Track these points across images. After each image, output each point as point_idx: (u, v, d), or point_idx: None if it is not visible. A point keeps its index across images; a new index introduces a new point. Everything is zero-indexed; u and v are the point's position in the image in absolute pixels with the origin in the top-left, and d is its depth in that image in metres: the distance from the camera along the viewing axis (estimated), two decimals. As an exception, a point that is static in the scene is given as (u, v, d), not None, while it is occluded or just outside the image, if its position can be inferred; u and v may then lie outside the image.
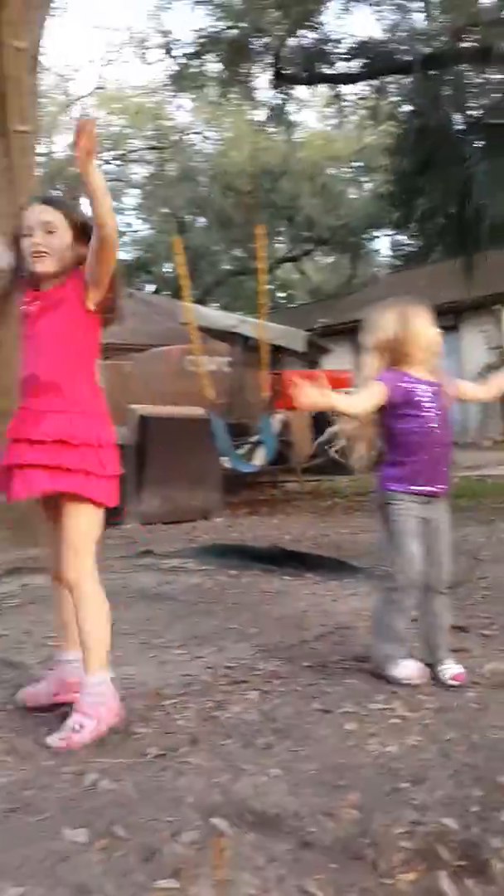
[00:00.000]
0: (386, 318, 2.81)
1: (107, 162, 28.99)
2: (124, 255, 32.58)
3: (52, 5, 8.08)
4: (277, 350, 9.77)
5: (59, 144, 27.75)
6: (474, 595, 3.84)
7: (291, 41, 18.08)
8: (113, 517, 7.13)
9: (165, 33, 20.43)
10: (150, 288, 30.29)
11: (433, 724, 2.35)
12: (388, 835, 1.82)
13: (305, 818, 1.89)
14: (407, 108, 18.81)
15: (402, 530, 2.69)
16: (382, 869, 1.70)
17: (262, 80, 19.53)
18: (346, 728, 2.35)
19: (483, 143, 6.42)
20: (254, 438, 8.85)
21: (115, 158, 29.14)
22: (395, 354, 2.79)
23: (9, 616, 4.00)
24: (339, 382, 14.42)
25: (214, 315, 10.72)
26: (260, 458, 9.13)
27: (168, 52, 19.81)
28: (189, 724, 2.43)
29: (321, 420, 11.05)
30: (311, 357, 10.72)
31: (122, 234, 32.38)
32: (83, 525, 2.46)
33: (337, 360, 14.36)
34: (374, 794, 1.98)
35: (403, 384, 2.74)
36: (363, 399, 2.78)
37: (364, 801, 1.95)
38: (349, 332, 18.19)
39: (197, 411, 8.12)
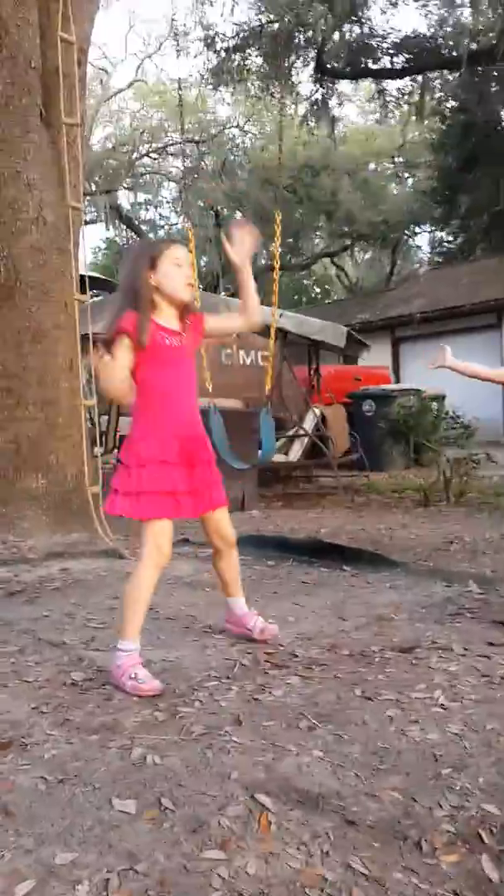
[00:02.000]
0: None
1: (145, 154, 29.13)
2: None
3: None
4: (316, 345, 9.79)
5: (97, 136, 27.92)
6: (513, 590, 3.84)
7: (335, 35, 18.03)
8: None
9: (207, 26, 20.45)
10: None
11: (475, 715, 2.37)
12: (431, 817, 1.84)
13: (348, 798, 1.92)
14: (452, 103, 18.73)
15: None
16: (425, 849, 1.73)
17: (303, 74, 19.51)
18: (387, 714, 2.38)
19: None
20: (290, 432, 8.88)
21: (153, 152, 29.24)
22: None
23: (50, 598, 4.07)
24: (377, 378, 14.45)
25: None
26: (294, 453, 9.16)
27: (209, 45, 19.84)
28: (232, 705, 2.48)
29: (357, 415, 11.06)
30: (350, 352, 10.69)
31: (159, 227, 32.58)
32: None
33: (375, 356, 14.32)
34: (417, 779, 2.01)
35: None
36: None
37: (406, 784, 1.98)
38: (388, 328, 18.18)
39: (234, 403, 8.16)
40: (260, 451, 8.00)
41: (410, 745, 2.19)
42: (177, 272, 2.82)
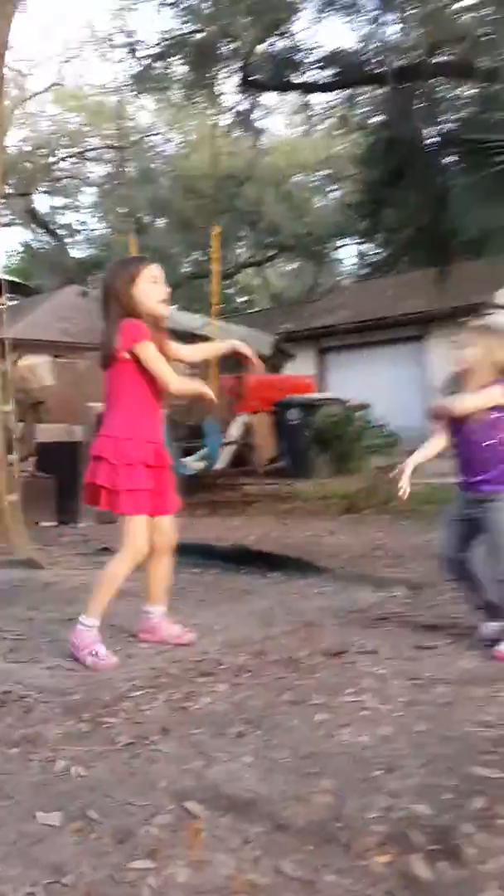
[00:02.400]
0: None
1: (62, 159, 28.81)
2: (79, 252, 32.48)
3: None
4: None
5: (12, 138, 27.44)
6: (441, 596, 3.89)
7: (261, 47, 18.17)
8: (68, 516, 7.12)
9: (129, 33, 20.36)
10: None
11: (404, 717, 2.38)
12: (362, 819, 1.83)
13: (278, 803, 1.90)
14: (377, 119, 19.04)
15: None
16: (356, 851, 1.72)
17: (228, 85, 19.59)
18: (316, 719, 2.37)
19: (457, 157, 6.52)
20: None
21: (70, 156, 28.93)
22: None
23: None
24: (302, 388, 14.56)
25: (177, 316, 10.69)
26: (221, 461, 9.14)
27: (132, 52, 19.76)
28: (158, 714, 2.43)
29: (283, 424, 11.12)
30: (275, 362, 10.75)
31: (77, 231, 32.20)
32: None
33: (300, 366, 14.44)
34: (347, 781, 2.00)
35: None
36: None
37: (337, 787, 1.97)
38: (312, 338, 18.37)
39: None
40: (205, 457, 8.00)
41: (340, 748, 2.18)
42: (153, 289, 3.02)
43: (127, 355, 2.97)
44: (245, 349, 3.32)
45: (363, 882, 1.61)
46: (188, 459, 8.22)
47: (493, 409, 2.98)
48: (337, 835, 1.77)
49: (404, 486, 3.16)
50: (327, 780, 2.00)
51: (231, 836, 1.75)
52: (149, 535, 3.04)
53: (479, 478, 3.03)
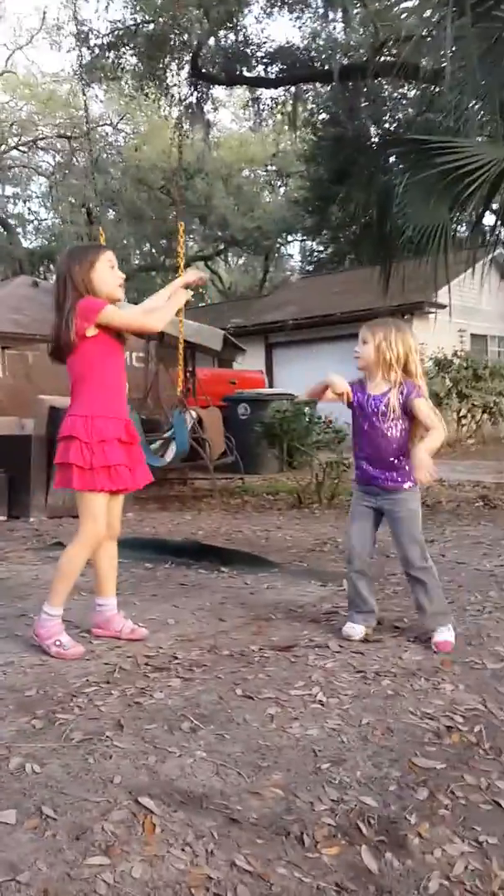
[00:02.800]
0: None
1: (13, 148, 28.36)
2: (28, 243, 32.02)
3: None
4: (191, 347, 9.79)
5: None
6: (386, 590, 3.97)
7: (211, 40, 18.14)
8: (19, 510, 7.05)
9: (81, 22, 20.12)
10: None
11: (351, 710, 2.44)
12: (312, 811, 1.89)
13: (231, 796, 1.94)
14: (324, 116, 19.17)
15: None
16: (307, 844, 1.77)
17: (178, 77, 19.49)
18: (268, 713, 2.42)
19: (400, 156, 6.61)
20: (166, 434, 8.83)
21: (22, 145, 28.49)
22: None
23: None
24: (252, 382, 14.52)
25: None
26: (171, 454, 9.12)
27: (82, 41, 19.54)
28: (113, 710, 2.45)
29: (233, 418, 11.15)
30: (225, 356, 10.75)
31: (27, 221, 31.73)
32: None
33: (249, 360, 14.47)
34: (297, 774, 2.05)
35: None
36: None
37: (287, 780, 2.02)
38: (261, 332, 18.42)
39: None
40: (173, 448, 7.98)
41: (291, 741, 2.24)
42: (111, 274, 3.06)
43: (93, 331, 2.97)
44: (193, 276, 3.39)
45: (313, 874, 1.66)
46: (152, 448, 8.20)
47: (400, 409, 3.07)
48: (288, 827, 1.82)
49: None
50: (279, 774, 2.05)
51: (185, 830, 1.79)
52: (103, 517, 3.06)
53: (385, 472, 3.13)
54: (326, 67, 15.68)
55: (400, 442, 3.10)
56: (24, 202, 31.92)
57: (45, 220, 32.33)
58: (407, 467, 3.09)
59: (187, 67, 18.41)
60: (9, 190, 30.53)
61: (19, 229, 31.58)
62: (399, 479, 3.12)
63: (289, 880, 1.65)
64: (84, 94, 10.16)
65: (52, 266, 31.34)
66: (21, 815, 1.83)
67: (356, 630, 3.16)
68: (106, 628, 3.25)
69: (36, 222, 32.82)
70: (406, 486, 3.11)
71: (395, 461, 3.10)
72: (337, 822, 1.86)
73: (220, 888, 1.61)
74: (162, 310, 3.22)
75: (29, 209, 33.16)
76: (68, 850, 1.70)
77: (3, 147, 27.57)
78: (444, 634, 3.07)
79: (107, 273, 3.05)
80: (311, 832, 1.81)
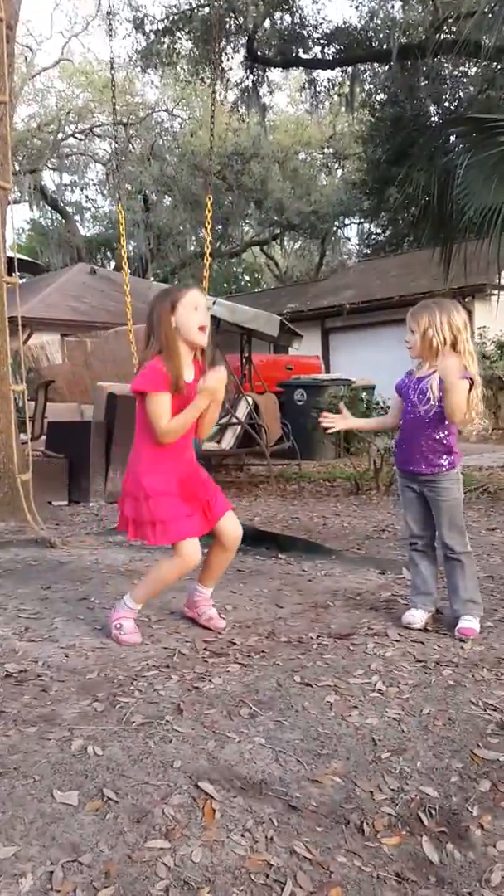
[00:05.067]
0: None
1: (71, 135, 28.62)
2: (86, 231, 32.34)
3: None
4: (247, 333, 9.77)
5: (20, 115, 27.28)
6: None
7: (266, 23, 18.02)
8: (79, 495, 7.15)
9: (136, 8, 20.20)
10: (113, 265, 30.05)
11: (412, 699, 2.42)
12: (372, 801, 1.88)
13: (291, 784, 1.94)
14: (382, 96, 18.92)
15: None
16: (367, 833, 1.76)
17: (234, 60, 19.46)
18: (326, 700, 2.41)
19: (461, 136, 6.46)
20: (223, 420, 8.85)
21: (79, 132, 28.75)
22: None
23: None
24: (308, 368, 14.42)
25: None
26: (227, 442, 9.15)
27: (137, 27, 19.62)
28: (172, 694, 2.47)
29: (289, 404, 11.12)
30: (282, 342, 10.70)
31: (85, 209, 32.02)
32: None
33: (305, 345, 14.40)
34: (357, 763, 2.04)
35: None
36: None
37: (347, 769, 2.01)
38: (318, 318, 18.30)
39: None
40: (230, 434, 8.01)
41: (350, 730, 2.22)
42: (193, 316, 2.99)
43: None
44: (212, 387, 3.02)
45: (373, 863, 1.65)
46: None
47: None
48: (348, 816, 1.81)
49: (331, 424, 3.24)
50: (338, 762, 2.04)
51: (245, 816, 1.80)
52: (196, 550, 3.01)
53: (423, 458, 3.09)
54: (385, 47, 15.45)
55: (439, 427, 3.04)
56: (82, 190, 32.30)
57: (102, 207, 32.64)
58: (445, 452, 3.04)
59: (242, 51, 18.34)
60: (66, 178, 30.89)
61: (77, 217, 31.94)
62: (437, 466, 3.07)
63: (348, 869, 1.64)
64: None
65: (109, 253, 31.70)
66: (83, 797, 1.85)
67: (416, 617, 3.13)
68: (191, 608, 3.31)
69: (93, 209, 33.18)
70: (445, 472, 3.06)
71: (434, 447, 3.05)
72: (397, 812, 1.84)
73: (280, 875, 1.61)
74: (175, 433, 3.00)
75: (86, 197, 33.52)
76: (129, 833, 1.72)
77: (61, 135, 27.86)
78: (471, 623, 3.04)
79: (188, 317, 2.98)
80: (371, 821, 1.80)
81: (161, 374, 2.94)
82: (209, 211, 7.07)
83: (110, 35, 8.39)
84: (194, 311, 2.99)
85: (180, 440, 3.05)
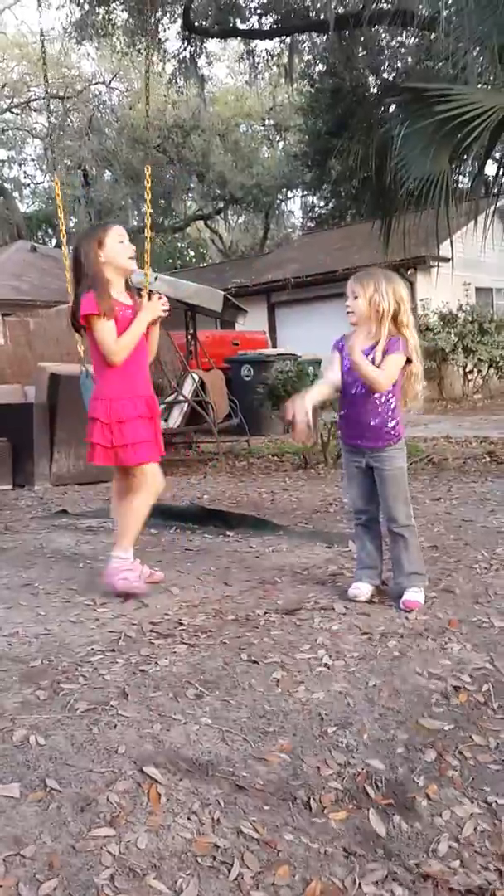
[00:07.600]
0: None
1: (6, 110, 27.90)
2: (25, 207, 31.63)
3: None
4: (192, 309, 9.68)
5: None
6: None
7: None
8: (23, 479, 7.03)
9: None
10: (54, 242, 29.50)
11: (357, 672, 2.43)
12: (319, 776, 1.88)
13: (237, 763, 1.93)
14: (321, 67, 18.76)
15: None
16: (314, 809, 1.76)
17: (171, 31, 19.09)
18: (273, 677, 2.40)
19: (400, 105, 6.42)
20: (169, 399, 8.78)
21: (14, 107, 28.02)
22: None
23: None
24: (255, 343, 14.39)
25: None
26: (174, 420, 9.08)
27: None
28: (118, 678, 2.44)
29: (236, 380, 11.08)
30: (227, 317, 10.62)
31: (24, 185, 31.29)
32: None
33: (251, 320, 14.34)
34: (304, 739, 2.04)
35: None
36: None
37: (294, 745, 2.01)
38: (263, 292, 18.24)
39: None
40: (177, 412, 7.92)
41: (296, 705, 2.22)
42: (120, 247, 3.27)
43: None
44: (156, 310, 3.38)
45: (321, 839, 1.65)
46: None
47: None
48: (295, 793, 1.81)
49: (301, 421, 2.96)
50: (285, 739, 2.04)
51: (191, 799, 1.78)
52: (159, 473, 3.40)
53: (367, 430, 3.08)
54: (322, 17, 15.29)
55: (382, 400, 3.03)
56: (20, 165, 31.55)
57: (42, 183, 31.96)
58: (390, 425, 3.04)
59: (179, 21, 18.00)
60: (3, 154, 30.16)
61: (16, 194, 31.22)
62: (382, 438, 3.07)
63: (296, 846, 1.64)
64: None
65: (50, 230, 31.08)
66: (25, 789, 1.82)
67: (362, 590, 3.14)
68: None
69: (32, 186, 32.46)
70: (390, 443, 3.06)
71: (378, 419, 3.05)
72: (344, 787, 1.85)
73: (227, 856, 1.60)
74: (125, 348, 3.24)
75: (25, 173, 32.72)
76: (73, 823, 1.69)
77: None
78: (416, 594, 3.05)
79: (116, 249, 3.26)
80: (318, 797, 1.80)
81: (93, 300, 3.16)
82: (149, 184, 6.94)
83: (41, 4, 8.14)
84: (120, 243, 3.28)
85: (134, 361, 3.27)
